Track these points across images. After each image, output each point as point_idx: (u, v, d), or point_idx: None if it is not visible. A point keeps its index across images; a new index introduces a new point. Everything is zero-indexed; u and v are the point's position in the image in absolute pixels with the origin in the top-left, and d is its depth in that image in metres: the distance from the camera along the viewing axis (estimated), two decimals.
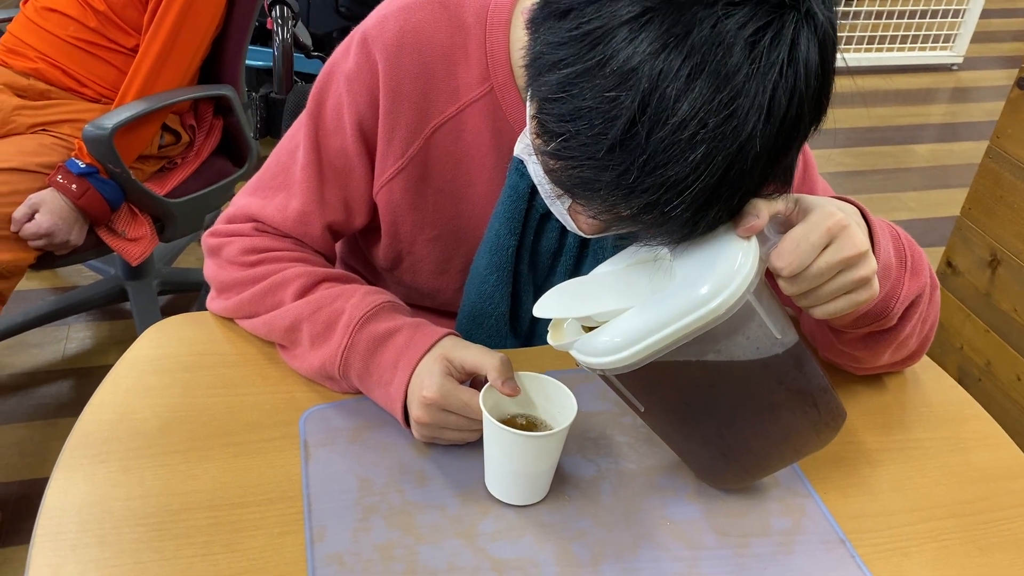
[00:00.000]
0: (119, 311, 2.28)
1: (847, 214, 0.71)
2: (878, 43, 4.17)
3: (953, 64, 4.28)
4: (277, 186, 0.96)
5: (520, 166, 0.90)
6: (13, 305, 2.18)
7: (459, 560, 0.76)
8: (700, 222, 0.65)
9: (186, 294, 2.37)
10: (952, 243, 1.97)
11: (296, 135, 0.95)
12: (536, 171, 0.78)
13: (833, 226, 0.68)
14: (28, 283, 2.32)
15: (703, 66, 0.59)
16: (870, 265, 0.71)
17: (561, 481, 0.84)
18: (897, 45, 4.19)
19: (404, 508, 0.80)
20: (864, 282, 0.71)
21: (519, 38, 0.88)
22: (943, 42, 4.26)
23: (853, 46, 4.10)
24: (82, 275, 2.37)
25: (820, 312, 0.72)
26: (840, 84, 0.67)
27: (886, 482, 0.87)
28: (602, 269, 0.77)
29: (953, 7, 4.21)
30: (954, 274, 1.97)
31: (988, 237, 1.86)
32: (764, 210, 0.67)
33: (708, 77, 0.59)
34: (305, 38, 2.11)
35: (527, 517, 0.80)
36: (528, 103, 0.72)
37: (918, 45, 4.22)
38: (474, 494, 0.82)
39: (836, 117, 0.68)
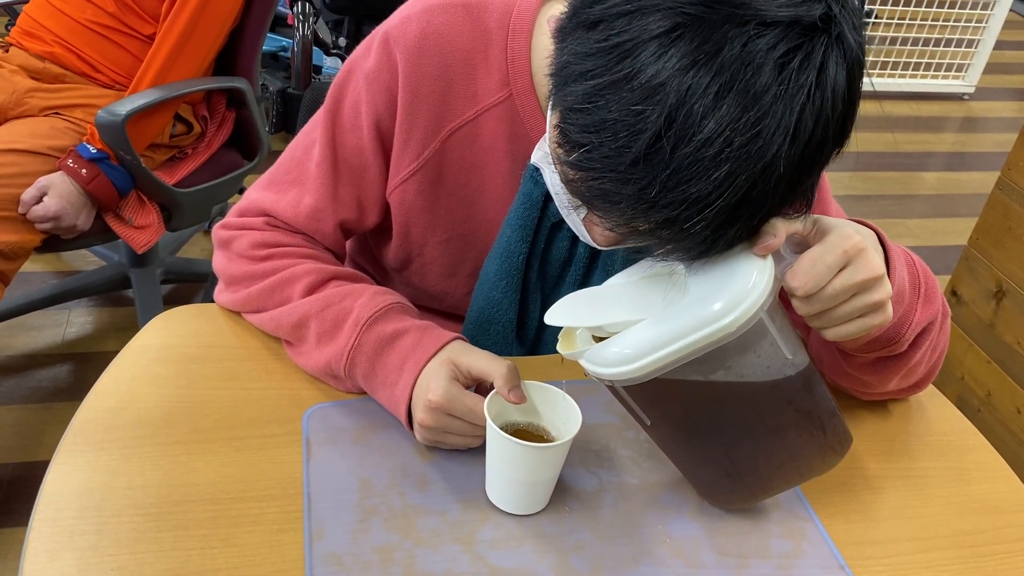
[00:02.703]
0: (121, 298, 2.28)
1: (864, 237, 0.71)
2: (890, 69, 4.18)
3: (965, 94, 4.29)
4: (291, 181, 0.96)
5: (535, 174, 0.90)
6: (15, 287, 2.18)
7: (457, 567, 0.75)
8: (718, 240, 0.65)
9: (189, 284, 2.37)
10: (958, 273, 1.97)
11: (313, 131, 0.95)
12: (553, 180, 0.78)
13: (850, 248, 0.68)
14: (31, 265, 2.32)
15: (731, 85, 0.59)
16: (885, 289, 0.71)
17: (562, 492, 0.83)
18: (910, 72, 4.20)
19: (404, 511, 0.79)
20: (878, 306, 0.71)
21: (542, 46, 0.88)
22: (956, 71, 4.27)
23: (865, 71, 4.09)
24: (86, 260, 2.37)
25: (832, 334, 0.72)
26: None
27: (888, 509, 0.87)
28: (615, 280, 0.77)
29: (967, 37, 4.22)
30: (958, 304, 1.96)
31: (995, 268, 1.85)
32: (781, 229, 0.67)
33: (736, 96, 0.59)
34: (325, 35, 2.11)
35: (527, 526, 0.80)
36: (550, 112, 0.72)
37: (931, 73, 4.23)
38: (475, 501, 0.81)
39: None
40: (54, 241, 1.70)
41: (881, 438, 0.95)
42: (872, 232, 0.79)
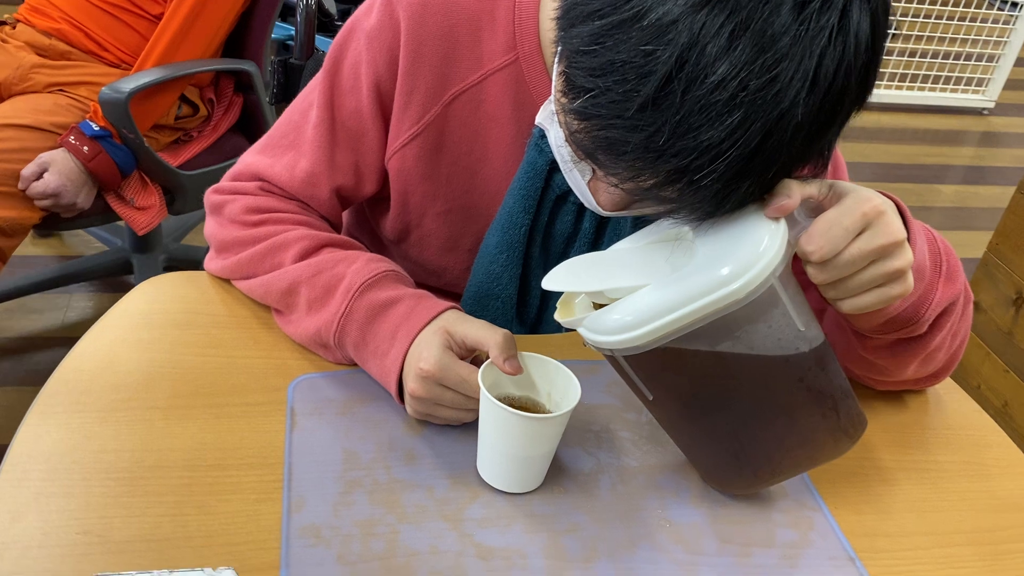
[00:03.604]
0: (123, 284, 2.25)
1: (883, 202, 0.67)
2: (910, 81, 4.12)
3: (984, 108, 4.23)
4: (287, 145, 0.93)
5: (540, 142, 0.86)
6: (17, 269, 2.16)
7: (442, 543, 0.71)
8: (729, 196, 0.61)
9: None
10: (976, 279, 1.92)
11: (311, 93, 0.92)
12: (557, 136, 0.74)
13: (869, 211, 0.64)
14: (34, 249, 2.30)
15: (747, 25, 0.55)
16: (906, 257, 0.66)
17: (558, 472, 0.79)
18: (929, 85, 4.15)
19: (390, 485, 0.75)
20: (899, 275, 0.66)
21: (550, 8, 0.85)
22: (976, 85, 4.22)
23: (884, 82, 4.05)
24: (89, 246, 2.35)
25: (849, 305, 0.68)
26: (868, 119, 0.63)
27: (902, 502, 0.82)
28: (620, 246, 0.73)
29: (988, 51, 4.17)
30: (976, 311, 1.91)
31: (1015, 275, 1.80)
32: (796, 191, 0.63)
33: (752, 37, 0.55)
34: (330, 7, 2.08)
35: (518, 506, 0.75)
36: (556, 61, 0.68)
37: (950, 87, 4.18)
38: (465, 478, 0.77)
39: (863, 151, 0.65)
40: (53, 219, 1.67)
41: (896, 429, 0.90)
42: (892, 203, 0.74)
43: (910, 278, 0.68)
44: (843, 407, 0.72)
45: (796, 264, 0.67)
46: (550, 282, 0.69)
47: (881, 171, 3.50)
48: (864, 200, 0.64)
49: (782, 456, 0.74)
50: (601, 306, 0.69)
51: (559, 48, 0.65)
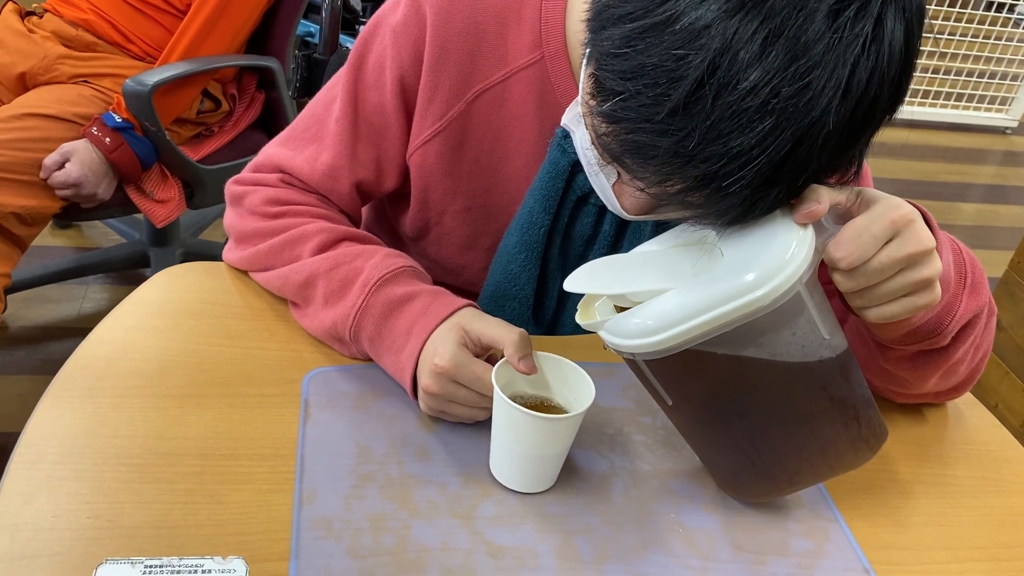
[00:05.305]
0: (140, 277, 2.26)
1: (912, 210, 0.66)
2: (932, 98, 4.10)
3: (1007, 128, 4.20)
4: (309, 138, 0.92)
5: (563, 142, 0.85)
6: (35, 259, 2.17)
7: (453, 541, 0.70)
8: (757, 204, 0.60)
9: None
10: (996, 297, 1.90)
11: (335, 87, 0.92)
12: (583, 140, 0.73)
13: (899, 218, 0.63)
14: (52, 240, 2.31)
15: (780, 31, 0.55)
16: (935, 266, 0.65)
17: (570, 473, 0.78)
18: (952, 103, 4.12)
19: (402, 481, 0.75)
20: (926, 284, 0.66)
21: (577, 7, 0.84)
22: (999, 104, 4.19)
23: (907, 98, 4.02)
24: (107, 238, 2.36)
25: (875, 314, 0.67)
26: (890, 135, 0.62)
27: (919, 516, 0.81)
28: (643, 248, 0.72)
29: (1012, 70, 4.14)
30: (996, 330, 1.89)
31: None
32: (825, 197, 0.63)
33: (785, 43, 0.55)
34: (355, 3, 2.09)
35: (530, 505, 0.75)
36: (584, 63, 0.67)
37: (973, 105, 4.15)
38: (477, 476, 0.77)
39: (885, 167, 0.64)
40: (73, 210, 1.68)
41: (914, 443, 0.89)
42: (919, 212, 0.73)
43: (937, 288, 0.67)
44: (864, 417, 0.71)
45: (820, 272, 0.66)
46: (572, 284, 0.69)
47: (902, 188, 3.48)
48: (893, 207, 0.64)
49: (800, 465, 0.73)
50: (623, 309, 0.68)
51: (588, 50, 0.65)
